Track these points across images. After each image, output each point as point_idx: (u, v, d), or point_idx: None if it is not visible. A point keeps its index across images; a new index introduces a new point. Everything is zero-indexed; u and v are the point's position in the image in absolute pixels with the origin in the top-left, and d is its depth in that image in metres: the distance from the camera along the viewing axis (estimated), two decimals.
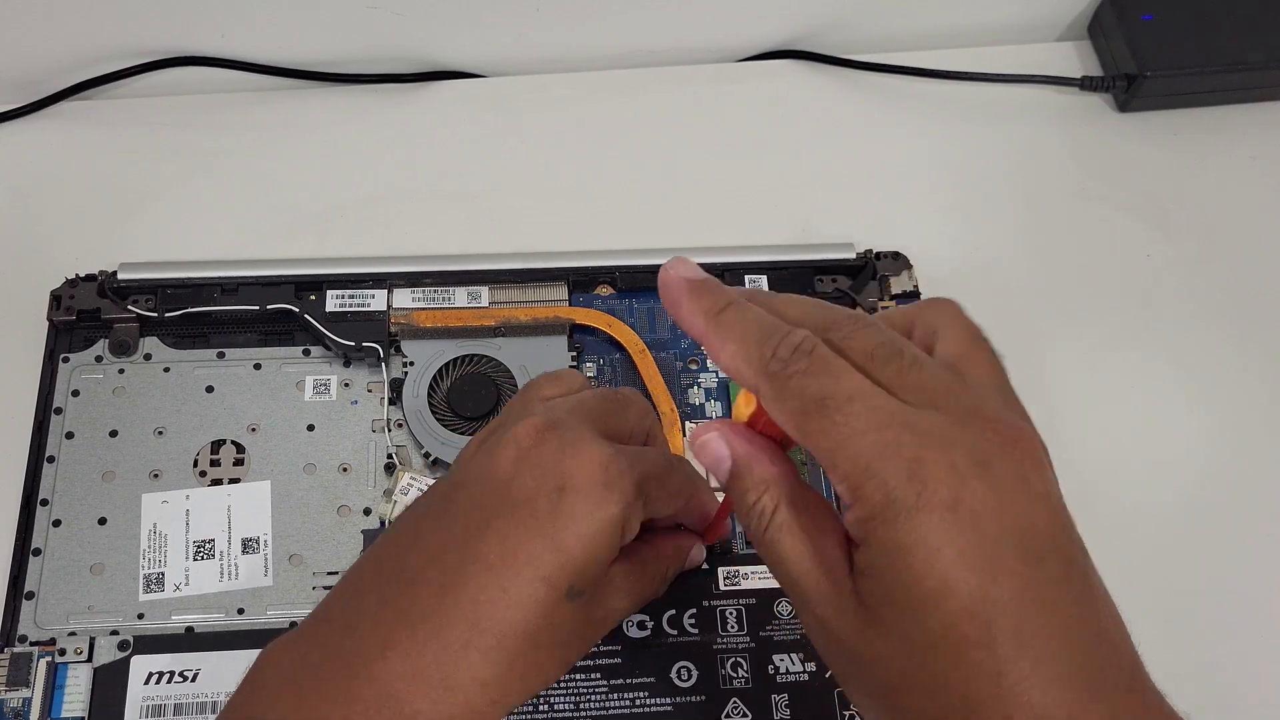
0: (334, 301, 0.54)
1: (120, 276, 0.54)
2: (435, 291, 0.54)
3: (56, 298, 0.53)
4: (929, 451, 0.28)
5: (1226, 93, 0.64)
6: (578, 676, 0.46)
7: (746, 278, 0.56)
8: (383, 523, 0.50)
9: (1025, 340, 0.57)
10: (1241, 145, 0.64)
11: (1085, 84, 0.64)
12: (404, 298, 0.54)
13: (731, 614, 0.47)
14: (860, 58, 0.66)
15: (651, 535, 0.40)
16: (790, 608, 0.47)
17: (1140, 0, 0.64)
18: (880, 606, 0.28)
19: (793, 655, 0.46)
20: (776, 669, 0.46)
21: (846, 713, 0.45)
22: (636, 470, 0.35)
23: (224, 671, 0.46)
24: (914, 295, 0.57)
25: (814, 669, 0.46)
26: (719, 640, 0.46)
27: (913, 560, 0.27)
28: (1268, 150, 0.64)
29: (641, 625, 0.46)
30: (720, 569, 0.47)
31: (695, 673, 0.46)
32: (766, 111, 0.65)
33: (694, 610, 0.47)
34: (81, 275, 0.54)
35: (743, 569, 0.48)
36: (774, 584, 0.47)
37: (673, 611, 0.47)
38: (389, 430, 0.52)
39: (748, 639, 0.46)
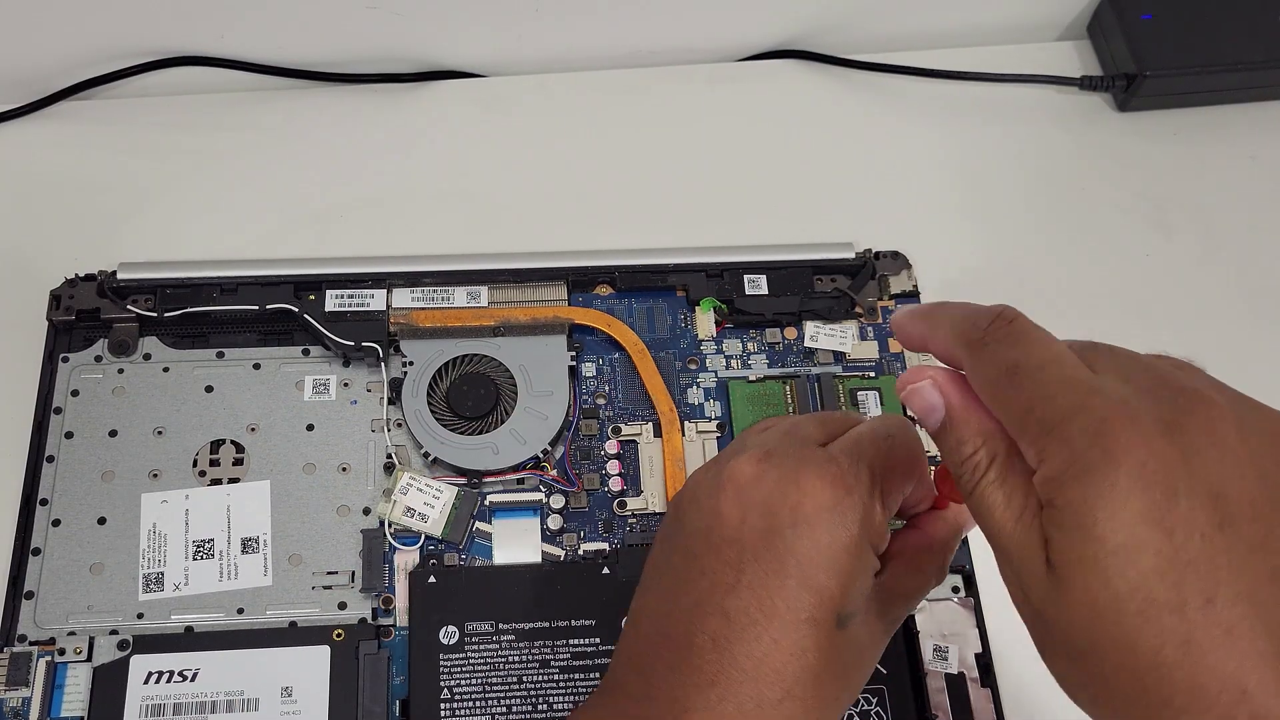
0: (333, 301, 0.54)
1: (120, 276, 0.54)
2: (434, 291, 0.54)
3: (56, 297, 0.53)
4: (1115, 414, 0.28)
5: (1226, 93, 0.65)
6: (577, 676, 0.46)
7: (746, 278, 0.56)
8: (382, 522, 0.50)
9: None
10: (1241, 145, 0.64)
11: (1085, 84, 0.64)
12: (403, 297, 0.54)
13: None
14: (860, 58, 0.66)
15: (917, 519, 0.38)
16: None
17: (1140, 0, 0.64)
18: (1067, 567, 0.28)
19: None
20: None
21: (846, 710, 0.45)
22: (862, 473, 0.34)
23: (223, 671, 0.46)
24: (913, 295, 0.57)
25: None
26: None
27: (1099, 517, 0.27)
28: (1268, 150, 0.64)
29: None
30: None
31: None
32: (766, 111, 0.65)
33: None
34: (81, 275, 0.54)
35: None
36: None
37: None
38: (388, 430, 0.52)
39: None
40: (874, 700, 0.45)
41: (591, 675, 0.45)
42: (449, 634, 0.46)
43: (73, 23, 0.59)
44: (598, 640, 0.46)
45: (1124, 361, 0.31)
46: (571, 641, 0.46)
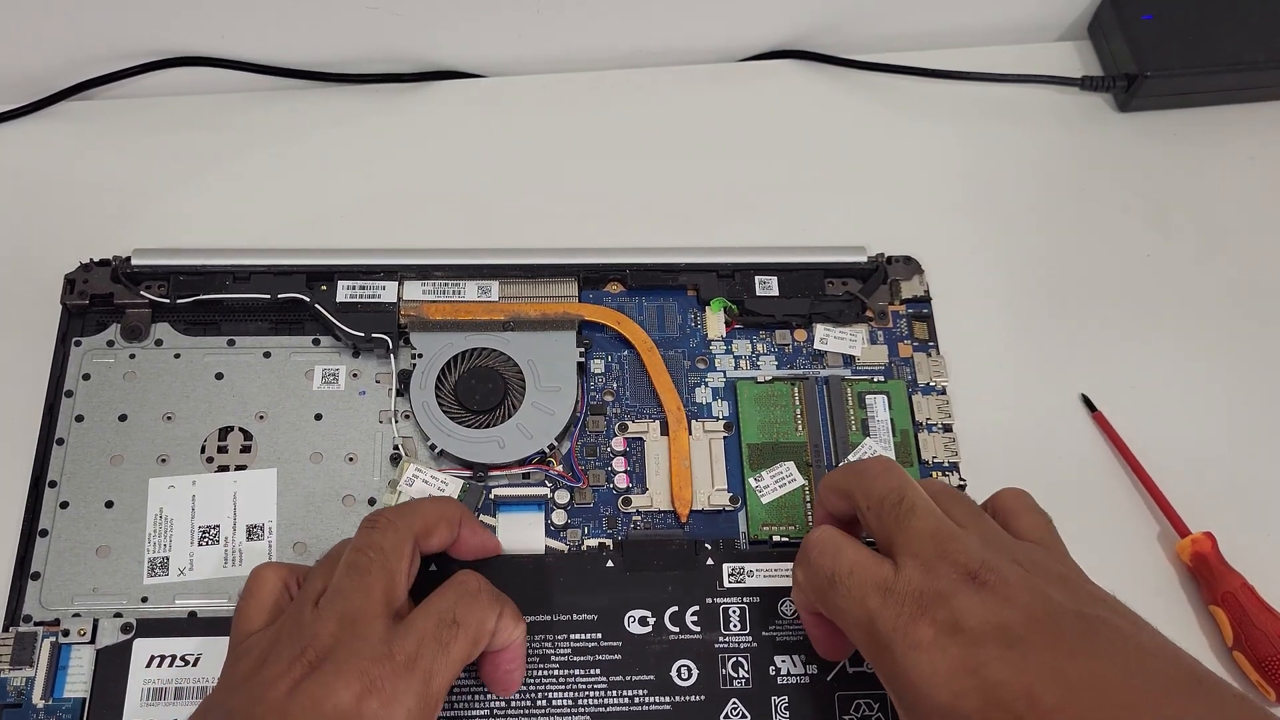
0: (345, 292, 0.54)
1: (134, 262, 0.54)
2: (445, 284, 0.55)
3: (70, 281, 0.53)
4: (906, 607, 0.36)
5: (1226, 93, 0.65)
6: (576, 671, 0.45)
7: (757, 279, 0.56)
8: None
9: (1023, 339, 0.57)
10: (1241, 145, 0.64)
11: (1085, 84, 0.64)
12: (414, 290, 0.54)
13: (735, 612, 0.46)
14: (860, 58, 0.66)
15: None
16: (793, 608, 0.47)
17: (1140, 0, 0.64)
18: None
19: (794, 657, 0.46)
20: (778, 670, 0.46)
21: (846, 717, 0.45)
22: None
23: (225, 657, 0.46)
24: (924, 300, 0.57)
25: (815, 671, 0.46)
26: (720, 639, 0.46)
27: (919, 688, 0.35)
28: (1268, 150, 0.64)
29: (643, 621, 0.46)
30: (725, 565, 0.47)
31: (695, 672, 0.45)
32: (767, 112, 0.65)
33: (697, 608, 0.46)
34: (95, 260, 0.54)
35: (748, 566, 0.47)
36: (778, 583, 0.47)
37: (675, 608, 0.46)
38: (395, 421, 0.52)
39: (750, 639, 0.46)
40: (875, 706, 0.45)
41: (591, 671, 0.45)
42: None
43: (73, 23, 0.59)
44: (599, 636, 0.46)
45: (920, 525, 0.38)
46: (572, 636, 0.46)
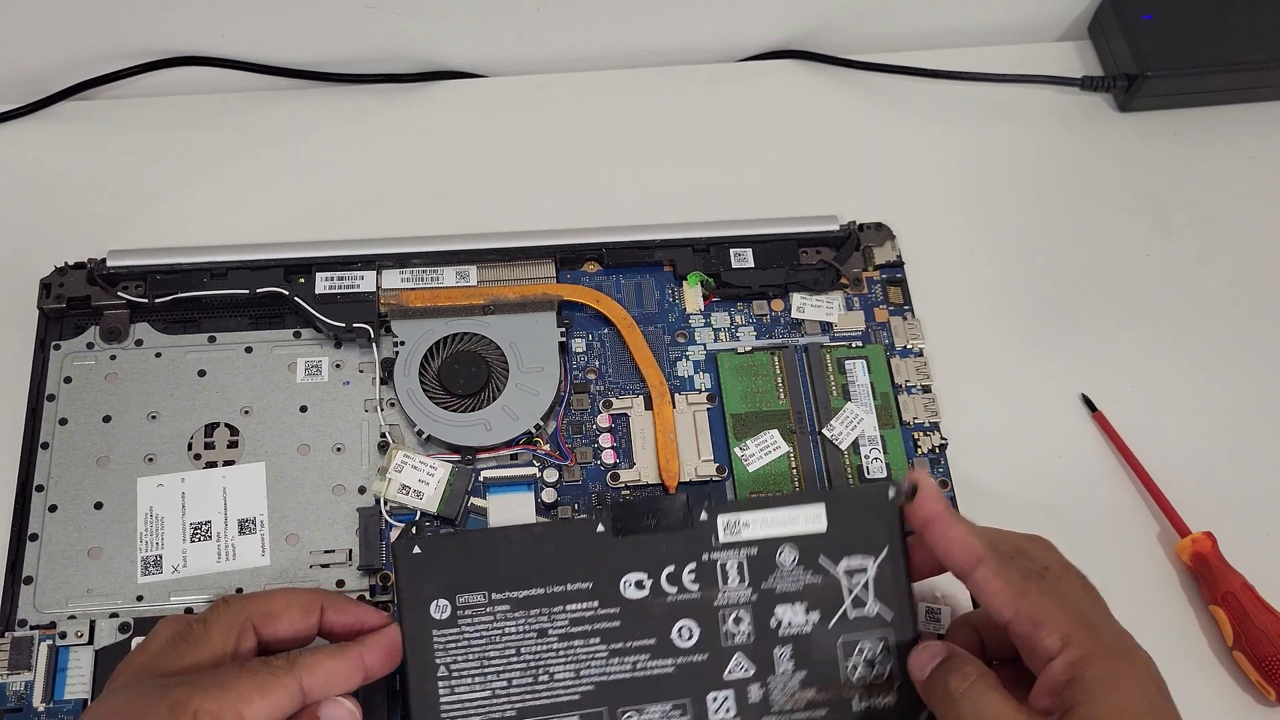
0: (323, 283, 0.54)
1: (109, 264, 0.54)
2: (424, 272, 0.55)
3: (46, 286, 0.53)
4: (1109, 621, 0.41)
5: (1226, 93, 0.65)
6: (576, 643, 0.45)
7: (732, 251, 0.56)
8: (378, 500, 0.50)
9: (1024, 339, 0.58)
10: (1241, 145, 0.64)
11: (1085, 84, 0.65)
12: (393, 278, 0.55)
13: (732, 566, 0.46)
14: (860, 58, 0.66)
15: None
16: (793, 555, 0.46)
17: (1140, 0, 0.65)
18: None
19: (795, 605, 0.46)
20: (779, 621, 0.46)
21: (849, 661, 0.45)
22: None
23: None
24: (897, 266, 0.58)
25: (817, 619, 0.46)
26: (720, 595, 0.46)
27: (1120, 688, 0.38)
28: (1268, 150, 0.64)
29: (639, 585, 0.46)
30: (720, 518, 0.46)
31: (696, 631, 0.45)
32: (766, 111, 0.65)
33: (694, 565, 0.46)
34: (70, 263, 0.54)
35: (743, 515, 0.46)
36: (775, 533, 0.46)
37: (671, 568, 0.46)
38: (381, 409, 0.52)
39: (750, 591, 0.46)
40: (878, 650, 0.45)
41: (591, 640, 0.45)
42: (440, 608, 0.44)
43: (73, 23, 0.60)
44: (595, 604, 0.45)
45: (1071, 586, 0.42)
46: (569, 607, 0.45)
